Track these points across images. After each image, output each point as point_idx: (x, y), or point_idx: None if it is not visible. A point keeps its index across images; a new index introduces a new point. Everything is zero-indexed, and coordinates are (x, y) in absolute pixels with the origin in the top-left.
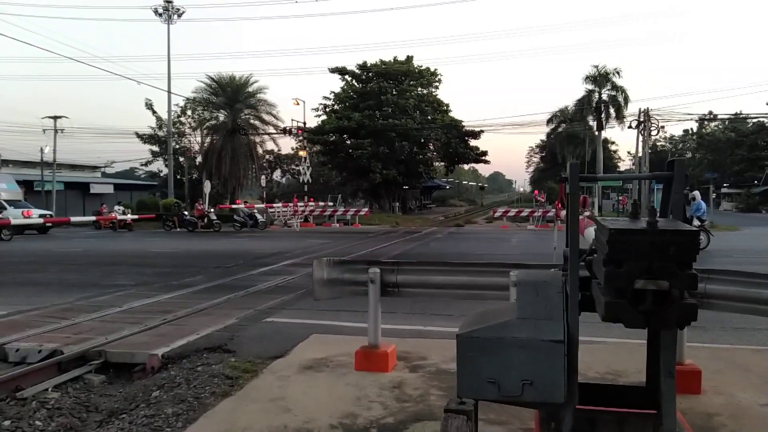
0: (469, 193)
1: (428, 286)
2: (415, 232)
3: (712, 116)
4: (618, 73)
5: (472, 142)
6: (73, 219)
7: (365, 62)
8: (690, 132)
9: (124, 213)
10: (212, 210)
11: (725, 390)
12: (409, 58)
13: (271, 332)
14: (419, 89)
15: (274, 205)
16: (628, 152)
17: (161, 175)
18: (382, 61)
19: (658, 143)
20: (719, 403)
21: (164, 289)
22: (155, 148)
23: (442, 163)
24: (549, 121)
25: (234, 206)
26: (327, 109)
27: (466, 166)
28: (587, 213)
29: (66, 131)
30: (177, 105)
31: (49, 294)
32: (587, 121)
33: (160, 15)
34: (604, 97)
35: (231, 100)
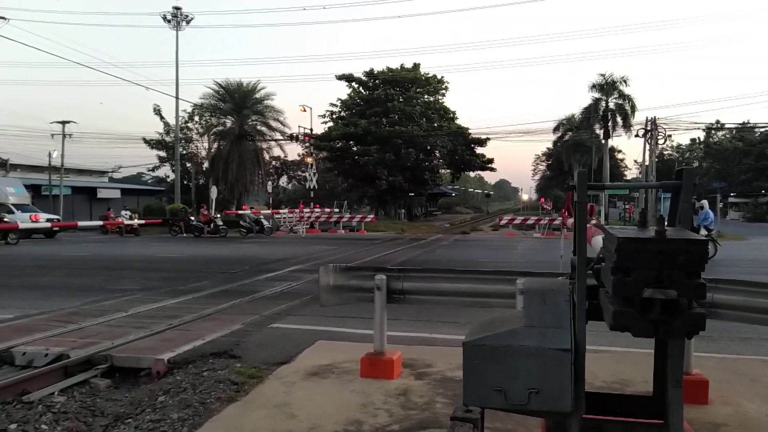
0: (474, 201)
1: (434, 293)
2: (420, 239)
3: (719, 125)
4: (625, 81)
5: (479, 150)
6: (80, 223)
7: (372, 69)
8: (697, 141)
9: (130, 218)
10: (218, 215)
11: (732, 400)
12: (416, 66)
13: (277, 338)
14: (426, 96)
15: (280, 211)
16: (635, 161)
17: (168, 180)
18: (389, 69)
19: (665, 152)
20: (726, 413)
21: (170, 294)
22: (162, 154)
23: (448, 171)
24: (555, 129)
25: (240, 212)
26: (334, 116)
27: (472, 174)
28: (594, 221)
29: (74, 136)
30: (185, 111)
31: (56, 298)
32: (594, 130)
33: (169, 21)
34: (611, 105)
35: (238, 106)
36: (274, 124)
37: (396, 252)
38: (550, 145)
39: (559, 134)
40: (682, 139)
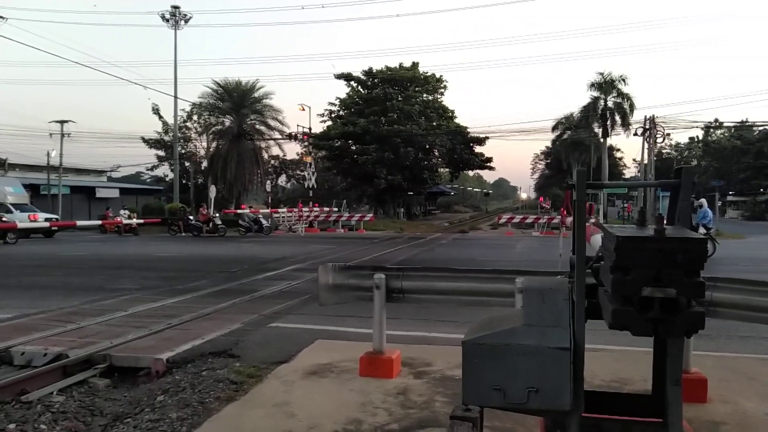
0: (473, 200)
1: (433, 292)
2: (419, 238)
3: (717, 124)
4: (624, 80)
5: (477, 149)
6: (79, 223)
7: (371, 68)
8: (696, 139)
9: (129, 217)
10: (217, 215)
11: (731, 399)
12: (415, 65)
13: (276, 337)
14: (424, 95)
15: (279, 210)
16: (634, 159)
17: (167, 179)
18: (387, 68)
19: (664, 150)
20: (725, 411)
21: (169, 293)
22: (161, 153)
23: (447, 169)
24: (554, 127)
25: (239, 211)
26: (332, 115)
27: (470, 173)
28: (593, 220)
29: (72, 135)
30: (183, 110)
31: (55, 297)
32: (593, 128)
33: (167, 20)
34: (610, 104)
35: (237, 105)
36: (272, 123)
37: (395, 251)
38: (549, 144)
39: (557, 133)
40: (681, 137)
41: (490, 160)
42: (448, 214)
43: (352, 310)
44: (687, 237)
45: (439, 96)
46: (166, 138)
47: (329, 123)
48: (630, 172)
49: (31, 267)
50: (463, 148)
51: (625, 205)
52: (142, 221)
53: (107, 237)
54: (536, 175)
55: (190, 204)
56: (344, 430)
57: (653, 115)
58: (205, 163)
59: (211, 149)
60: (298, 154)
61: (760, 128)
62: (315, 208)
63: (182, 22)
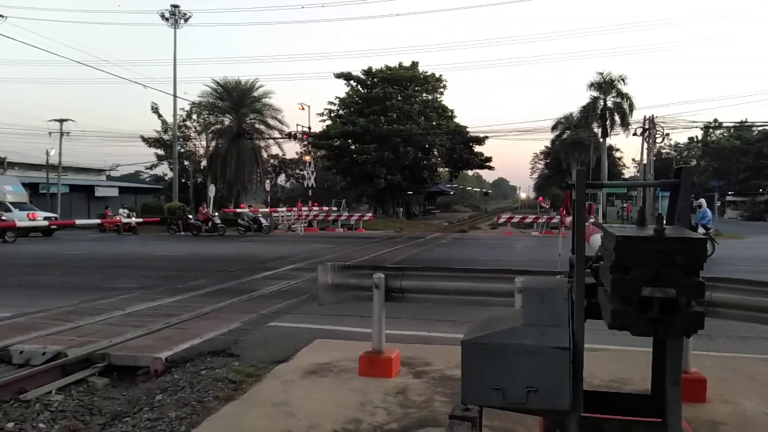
0: (473, 199)
1: (433, 291)
2: (419, 238)
3: (717, 124)
4: (623, 80)
5: (477, 148)
6: (78, 222)
7: (370, 68)
8: (695, 139)
9: (128, 216)
10: (217, 214)
11: (731, 398)
12: (415, 64)
13: (275, 337)
14: (424, 95)
15: (279, 209)
16: (633, 159)
17: (166, 178)
18: (387, 67)
19: (663, 150)
20: (725, 411)
21: (168, 292)
22: (160, 152)
23: (447, 169)
24: (554, 127)
25: (238, 210)
26: (332, 114)
27: (470, 172)
28: (592, 220)
29: (72, 134)
30: (183, 109)
31: (54, 296)
32: (592, 128)
33: (167, 19)
34: (609, 104)
35: (236, 104)
36: (272, 122)
37: (394, 250)
38: (549, 144)
39: (557, 133)
40: (680, 137)
41: (489, 159)
42: (448, 213)
43: (351, 309)
44: (686, 237)
45: (438, 95)
46: (166, 137)
47: (329, 122)
48: (629, 172)
49: (30, 266)
50: (463, 148)
51: (625, 204)
52: (141, 220)
53: (106, 236)
54: (536, 175)
55: (190, 203)
56: (343, 430)
57: (653, 115)
58: (204, 162)
59: (210, 148)
60: (297, 154)
61: (760, 128)
62: (314, 208)
63: (182, 20)
